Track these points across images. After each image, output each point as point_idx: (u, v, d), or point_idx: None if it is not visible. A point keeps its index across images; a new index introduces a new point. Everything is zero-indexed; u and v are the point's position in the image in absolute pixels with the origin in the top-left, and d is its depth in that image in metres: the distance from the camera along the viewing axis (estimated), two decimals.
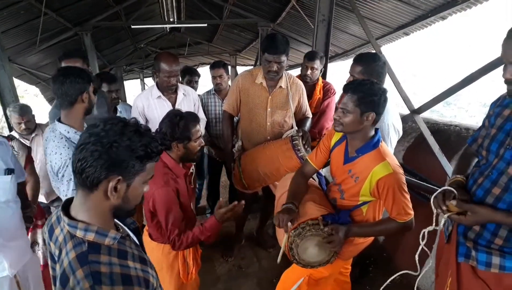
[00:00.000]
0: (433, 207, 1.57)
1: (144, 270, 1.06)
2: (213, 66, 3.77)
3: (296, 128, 2.86)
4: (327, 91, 3.46)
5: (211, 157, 4.00)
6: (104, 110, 2.91)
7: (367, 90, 1.80)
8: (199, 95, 3.59)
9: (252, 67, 10.95)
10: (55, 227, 1.08)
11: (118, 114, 3.41)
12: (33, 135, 3.25)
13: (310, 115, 3.09)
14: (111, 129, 0.98)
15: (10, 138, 2.71)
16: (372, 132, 1.92)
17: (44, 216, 2.82)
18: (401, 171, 1.84)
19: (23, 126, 3.16)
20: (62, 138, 1.95)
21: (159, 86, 2.94)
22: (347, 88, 1.86)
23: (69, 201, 1.09)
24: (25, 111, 3.18)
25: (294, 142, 2.63)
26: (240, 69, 12.62)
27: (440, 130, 3.32)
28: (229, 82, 3.85)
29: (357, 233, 2.00)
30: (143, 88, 17.44)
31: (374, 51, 2.41)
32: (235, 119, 3.29)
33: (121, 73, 12.91)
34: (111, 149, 0.96)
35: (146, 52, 13.49)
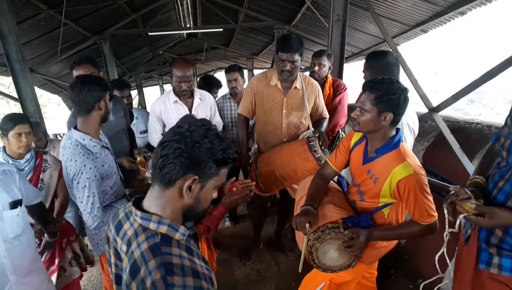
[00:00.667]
0: (444, 208, 1.54)
1: (207, 268, 1.08)
2: (228, 70, 3.78)
3: (313, 129, 2.82)
4: (337, 87, 3.45)
5: None
6: (120, 115, 2.94)
7: (385, 89, 1.74)
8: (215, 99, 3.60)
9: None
10: (124, 222, 1.12)
11: (134, 120, 3.44)
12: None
13: (327, 116, 3.04)
14: (195, 130, 1.04)
15: (43, 152, 2.72)
16: (393, 132, 1.87)
17: (74, 231, 2.86)
18: (422, 172, 1.78)
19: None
20: (77, 145, 1.98)
21: (175, 91, 2.96)
22: (365, 86, 1.82)
23: (139, 198, 1.14)
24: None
25: (310, 143, 2.58)
26: (257, 72, 12.62)
27: (461, 128, 3.21)
28: (245, 86, 3.85)
29: (378, 237, 1.92)
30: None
31: (387, 49, 2.38)
32: (251, 122, 3.27)
33: (140, 80, 13.10)
34: (193, 148, 1.01)
35: (164, 59, 13.65)
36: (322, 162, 2.53)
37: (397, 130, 1.90)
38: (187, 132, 1.02)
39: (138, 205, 1.10)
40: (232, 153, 1.09)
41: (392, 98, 1.73)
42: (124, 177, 2.39)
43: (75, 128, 2.05)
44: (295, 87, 2.77)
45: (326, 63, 3.34)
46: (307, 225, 1.85)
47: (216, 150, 1.04)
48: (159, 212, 1.06)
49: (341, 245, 1.87)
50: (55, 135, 15.08)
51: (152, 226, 1.03)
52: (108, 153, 2.18)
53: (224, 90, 4.19)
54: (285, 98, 2.79)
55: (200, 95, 3.08)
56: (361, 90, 1.88)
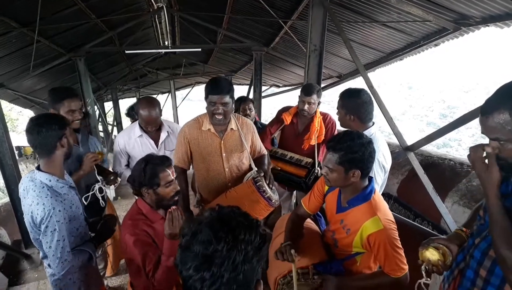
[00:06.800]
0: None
1: None
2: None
3: (256, 168, 2.77)
4: (328, 123, 3.43)
5: None
6: (87, 147, 2.86)
7: (346, 148, 1.74)
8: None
9: (247, 86, 10.98)
10: None
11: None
12: None
13: (266, 152, 3.01)
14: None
15: None
16: (365, 183, 1.87)
17: None
18: (392, 226, 1.79)
19: None
20: (43, 187, 1.90)
21: (141, 124, 2.91)
22: (328, 146, 1.83)
23: None
24: None
25: (258, 184, 2.53)
26: (236, 88, 12.61)
27: (435, 164, 3.28)
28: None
29: (348, 287, 1.92)
30: None
31: (358, 87, 2.42)
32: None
33: (115, 94, 12.90)
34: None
35: (142, 72, 13.49)
36: (273, 201, 2.55)
37: (370, 179, 1.90)
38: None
39: None
40: None
41: (355, 156, 1.73)
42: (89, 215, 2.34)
43: (38, 168, 1.96)
44: (231, 129, 2.70)
45: (315, 100, 3.27)
46: (293, 251, 1.83)
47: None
48: None
49: None
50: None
51: None
52: (74, 193, 2.10)
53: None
54: (222, 141, 2.70)
55: (169, 128, 3.02)
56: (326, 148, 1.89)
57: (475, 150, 1.34)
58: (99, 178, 2.63)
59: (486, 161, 1.32)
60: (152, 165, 1.98)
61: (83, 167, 2.59)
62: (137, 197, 2.13)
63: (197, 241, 0.89)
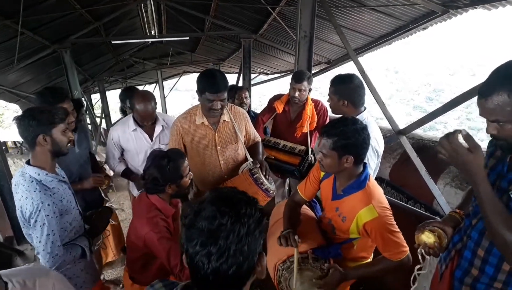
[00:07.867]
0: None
1: None
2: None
3: (251, 159, 2.74)
4: (320, 110, 3.42)
5: None
6: (84, 146, 2.83)
7: (340, 134, 1.74)
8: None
9: (235, 74, 10.92)
10: None
11: None
12: None
13: (259, 139, 2.99)
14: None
15: None
16: (360, 169, 1.88)
17: None
18: (388, 212, 1.80)
19: None
20: (32, 181, 1.88)
21: (136, 119, 2.88)
22: (323, 131, 1.83)
23: None
24: None
25: (255, 176, 2.51)
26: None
27: (426, 147, 3.32)
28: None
29: (354, 277, 1.94)
30: None
31: (349, 73, 2.42)
32: None
33: (103, 86, 12.73)
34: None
35: (128, 63, 13.31)
36: (271, 192, 2.55)
37: (364, 165, 1.91)
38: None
39: None
40: None
41: (349, 142, 1.73)
42: (86, 209, 2.34)
43: (28, 163, 1.94)
44: (224, 120, 2.65)
45: (306, 87, 3.24)
46: (296, 236, 1.85)
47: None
48: None
49: (310, 276, 1.85)
50: (14, 142, 14.47)
51: None
52: (66, 187, 2.08)
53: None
54: (216, 134, 2.65)
55: (164, 122, 2.99)
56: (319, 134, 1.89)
57: (451, 139, 1.28)
58: (106, 198, 2.79)
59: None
60: (174, 161, 2.01)
61: (84, 182, 2.64)
62: (131, 191, 2.13)
63: (202, 218, 0.93)
